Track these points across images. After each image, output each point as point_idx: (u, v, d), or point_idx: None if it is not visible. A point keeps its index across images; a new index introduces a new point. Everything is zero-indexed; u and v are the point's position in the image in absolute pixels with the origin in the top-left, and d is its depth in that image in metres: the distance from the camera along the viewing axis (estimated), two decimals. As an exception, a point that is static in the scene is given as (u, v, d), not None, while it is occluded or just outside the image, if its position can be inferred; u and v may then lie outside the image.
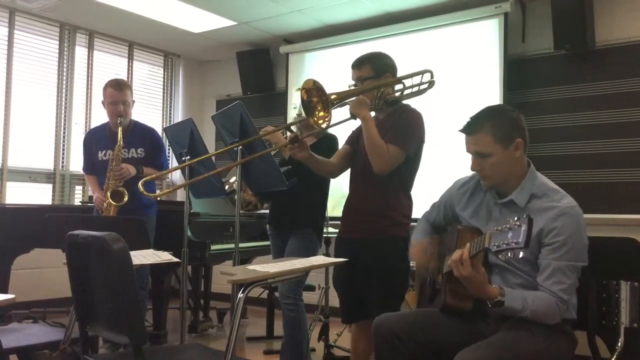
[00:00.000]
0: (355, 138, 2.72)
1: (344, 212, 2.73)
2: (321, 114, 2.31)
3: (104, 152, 3.67)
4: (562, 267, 1.83)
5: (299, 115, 2.88)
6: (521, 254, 1.63)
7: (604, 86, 4.34)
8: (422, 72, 2.56)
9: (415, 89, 2.58)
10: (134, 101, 3.78)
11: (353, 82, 2.62)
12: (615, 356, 1.95)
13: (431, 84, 2.56)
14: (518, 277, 1.94)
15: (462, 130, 2.03)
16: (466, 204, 2.17)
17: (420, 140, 2.58)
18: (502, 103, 4.55)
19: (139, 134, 3.72)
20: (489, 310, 2.00)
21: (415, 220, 2.67)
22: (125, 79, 3.94)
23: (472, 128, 2.00)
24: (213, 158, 3.18)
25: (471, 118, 2.03)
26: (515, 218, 1.59)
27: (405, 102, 2.66)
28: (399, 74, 2.64)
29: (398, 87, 2.60)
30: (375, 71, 2.58)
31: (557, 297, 1.81)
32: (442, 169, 4.52)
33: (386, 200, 2.55)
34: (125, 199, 3.51)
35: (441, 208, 2.31)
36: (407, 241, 2.55)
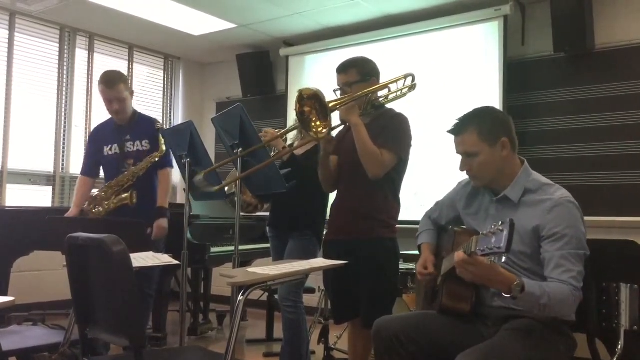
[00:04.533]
0: (339, 144, 2.75)
1: (331, 214, 2.77)
2: (318, 122, 2.35)
3: (109, 146, 3.53)
4: (567, 256, 1.83)
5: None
6: (503, 259, 1.64)
7: (604, 88, 4.34)
8: (405, 76, 2.63)
9: (399, 92, 2.63)
10: (133, 92, 3.59)
11: (338, 87, 2.65)
12: (615, 359, 1.95)
13: (413, 87, 2.63)
14: (520, 275, 1.94)
15: (450, 132, 2.07)
16: (468, 204, 2.19)
17: (410, 145, 2.63)
18: (501, 106, 4.56)
19: (144, 126, 3.54)
20: (488, 311, 2.01)
21: (403, 222, 2.73)
22: (118, 71, 3.64)
23: (459, 129, 2.04)
24: (213, 161, 3.18)
25: (458, 119, 2.07)
26: (500, 222, 1.59)
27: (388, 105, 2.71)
28: (397, 75, 2.66)
29: (383, 91, 2.65)
30: (361, 75, 2.62)
31: (569, 284, 1.80)
32: (442, 171, 4.52)
33: (375, 203, 2.58)
34: (134, 200, 3.36)
35: (444, 208, 2.32)
36: (395, 242, 2.63)
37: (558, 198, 1.91)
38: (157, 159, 3.41)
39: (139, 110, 3.66)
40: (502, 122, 2.06)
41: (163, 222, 3.42)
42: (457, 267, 1.75)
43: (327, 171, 2.68)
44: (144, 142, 3.49)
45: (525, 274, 1.92)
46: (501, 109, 4.44)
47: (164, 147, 3.40)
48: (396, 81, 2.63)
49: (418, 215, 2.50)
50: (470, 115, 2.06)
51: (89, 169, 3.65)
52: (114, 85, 3.42)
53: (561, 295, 1.78)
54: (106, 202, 3.44)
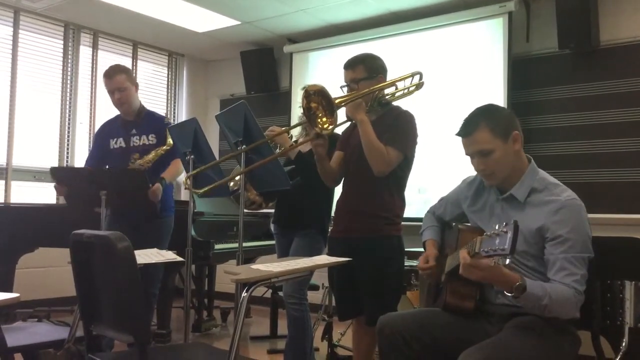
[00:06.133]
0: (345, 141, 2.74)
1: (336, 211, 2.77)
2: (324, 119, 2.35)
3: (115, 139, 3.56)
4: (570, 259, 1.83)
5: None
6: (507, 261, 1.63)
7: (609, 85, 4.32)
8: (413, 74, 2.61)
9: (406, 90, 2.62)
10: (137, 84, 3.62)
11: (345, 84, 2.64)
12: (619, 356, 1.95)
13: (420, 85, 2.61)
14: (524, 274, 1.93)
15: (459, 134, 2.03)
16: (472, 201, 2.18)
17: (416, 143, 2.63)
18: (506, 102, 4.55)
19: (150, 121, 3.58)
20: (492, 309, 2.01)
21: (406, 219, 2.71)
22: (122, 65, 3.68)
23: (469, 129, 2.00)
24: (217, 158, 3.19)
25: (465, 120, 2.03)
26: (504, 224, 1.59)
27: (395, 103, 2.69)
28: (401, 73, 2.65)
29: (389, 88, 2.63)
30: (368, 72, 2.61)
31: (572, 287, 1.80)
32: (446, 168, 4.52)
33: (380, 201, 2.58)
34: None
35: (448, 205, 2.32)
36: (400, 240, 2.63)
37: (564, 199, 1.90)
38: (163, 152, 3.41)
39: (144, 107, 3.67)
40: (509, 116, 2.05)
41: (158, 186, 3.35)
42: (461, 268, 1.74)
43: (325, 170, 2.68)
44: (150, 137, 3.51)
45: (530, 272, 1.92)
46: (505, 106, 4.43)
47: (171, 141, 3.38)
48: (404, 79, 2.61)
49: (422, 212, 2.50)
50: (476, 114, 2.03)
51: (94, 162, 3.65)
52: (113, 76, 3.48)
53: (563, 298, 1.78)
54: None
